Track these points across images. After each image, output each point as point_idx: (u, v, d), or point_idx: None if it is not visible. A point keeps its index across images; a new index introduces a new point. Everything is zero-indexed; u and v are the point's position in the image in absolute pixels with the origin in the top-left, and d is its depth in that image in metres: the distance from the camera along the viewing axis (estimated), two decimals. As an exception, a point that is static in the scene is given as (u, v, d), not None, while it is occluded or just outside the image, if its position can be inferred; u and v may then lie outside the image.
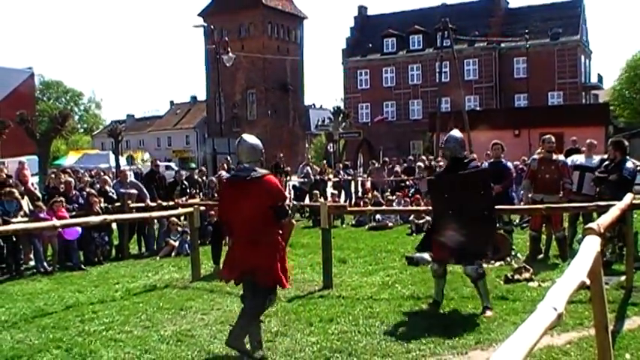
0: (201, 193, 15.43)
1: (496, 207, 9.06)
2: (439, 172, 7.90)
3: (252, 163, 5.91)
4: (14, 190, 11.66)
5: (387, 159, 24.23)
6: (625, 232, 8.08)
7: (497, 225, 10.87)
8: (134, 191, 13.33)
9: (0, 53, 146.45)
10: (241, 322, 5.59)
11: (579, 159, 10.92)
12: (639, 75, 55.75)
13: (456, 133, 7.71)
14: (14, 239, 11.00)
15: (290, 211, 6.17)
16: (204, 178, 16.77)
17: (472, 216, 6.90)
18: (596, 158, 10.63)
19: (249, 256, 5.65)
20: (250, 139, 6.11)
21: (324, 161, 31.94)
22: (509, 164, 11.68)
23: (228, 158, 20.50)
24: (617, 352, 5.12)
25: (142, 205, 12.91)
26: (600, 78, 63.73)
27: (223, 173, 16.78)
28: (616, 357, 4.88)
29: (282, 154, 22.17)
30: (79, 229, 10.82)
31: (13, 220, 10.71)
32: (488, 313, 6.74)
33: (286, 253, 6.00)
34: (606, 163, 9.68)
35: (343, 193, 21.80)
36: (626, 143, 9.85)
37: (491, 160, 11.30)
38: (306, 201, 18.88)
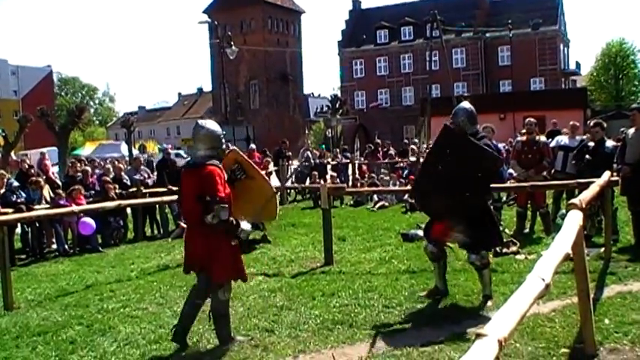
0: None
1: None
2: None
3: (206, 150, 5.20)
4: (40, 179, 11.66)
5: (379, 141, 24.03)
6: (604, 207, 8.07)
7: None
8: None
9: (21, 53, 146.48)
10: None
11: (563, 140, 10.89)
12: (613, 62, 55.71)
13: (465, 104, 6.54)
14: (37, 225, 11.02)
15: (223, 218, 4.92)
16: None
17: (465, 201, 5.98)
18: (578, 139, 10.65)
19: (189, 246, 5.29)
20: (207, 124, 5.35)
21: (323, 146, 31.87)
22: (500, 145, 11.61)
23: (229, 145, 20.45)
24: (598, 318, 5.13)
25: (155, 190, 12.87)
26: (578, 65, 63.78)
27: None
28: (596, 322, 4.89)
29: (286, 140, 22.04)
30: (93, 225, 10.75)
31: (36, 207, 10.72)
32: (489, 303, 6.03)
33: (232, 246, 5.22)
34: (590, 143, 9.65)
35: (343, 175, 21.75)
36: (605, 124, 9.88)
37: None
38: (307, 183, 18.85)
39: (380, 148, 22.31)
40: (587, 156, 9.34)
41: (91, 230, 10.87)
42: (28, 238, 11.06)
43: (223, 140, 5.36)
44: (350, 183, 19.39)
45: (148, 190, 12.80)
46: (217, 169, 5.08)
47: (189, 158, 6.74)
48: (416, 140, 23.83)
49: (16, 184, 11.25)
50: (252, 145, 19.97)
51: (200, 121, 5.41)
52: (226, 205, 4.92)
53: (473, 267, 6.32)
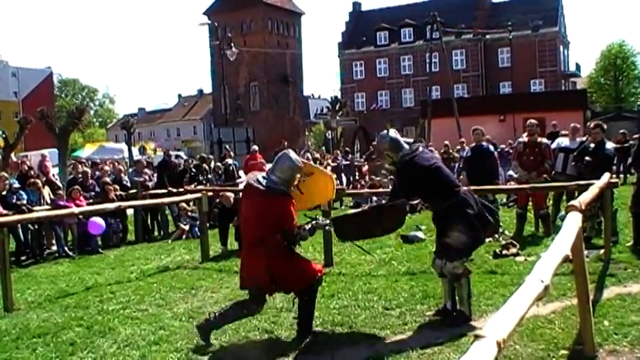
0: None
1: (485, 187, 9.05)
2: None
3: (283, 180, 5.30)
4: (38, 181, 11.68)
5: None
6: (604, 209, 8.07)
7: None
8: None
9: (22, 55, 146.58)
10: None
11: (564, 142, 10.89)
12: (613, 64, 55.75)
13: (386, 133, 5.99)
14: (37, 226, 11.02)
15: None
16: (211, 165, 16.69)
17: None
18: (579, 140, 10.65)
19: (246, 265, 5.47)
20: (293, 156, 5.42)
21: (323, 147, 31.86)
22: (491, 147, 11.61)
23: (227, 147, 20.60)
24: (597, 320, 5.13)
25: (155, 192, 12.88)
26: (578, 66, 63.77)
27: (229, 161, 16.81)
28: (596, 324, 4.89)
29: (285, 142, 22.05)
30: (103, 224, 10.75)
31: (36, 208, 10.73)
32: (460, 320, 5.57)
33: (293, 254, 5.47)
34: (590, 145, 9.66)
35: (344, 177, 21.75)
36: (605, 126, 9.90)
37: (473, 145, 11.19)
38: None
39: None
40: (587, 157, 9.34)
41: (100, 230, 10.89)
42: (28, 239, 11.05)
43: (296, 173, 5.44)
44: (350, 184, 19.39)
45: (148, 192, 12.80)
46: (291, 200, 5.29)
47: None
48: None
49: (16, 185, 11.26)
50: (255, 147, 19.96)
51: (290, 154, 5.46)
52: (305, 233, 5.33)
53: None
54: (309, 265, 5.60)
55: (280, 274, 5.23)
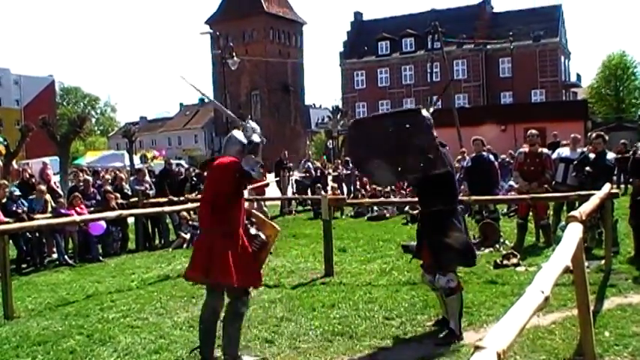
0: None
1: (486, 197, 9.05)
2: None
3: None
4: (43, 187, 11.71)
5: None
6: (604, 220, 8.07)
7: (484, 214, 10.89)
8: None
9: (24, 63, 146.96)
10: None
11: (565, 152, 10.91)
12: (614, 74, 55.85)
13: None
14: (37, 234, 11.03)
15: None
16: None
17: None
18: (579, 151, 10.68)
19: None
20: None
21: (324, 157, 31.88)
22: (491, 156, 11.62)
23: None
24: (598, 330, 5.13)
25: (156, 200, 12.89)
26: (579, 77, 64.03)
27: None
28: (597, 334, 4.89)
29: (286, 151, 22.07)
30: (104, 224, 10.76)
31: (38, 216, 10.74)
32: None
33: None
34: (589, 155, 9.68)
35: (344, 186, 21.75)
36: (607, 137, 9.94)
37: (473, 155, 11.19)
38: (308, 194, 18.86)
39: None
40: (587, 168, 9.36)
41: (101, 230, 10.88)
42: (28, 247, 11.05)
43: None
44: (351, 194, 19.40)
45: (149, 201, 12.81)
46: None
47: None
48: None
49: (17, 192, 11.27)
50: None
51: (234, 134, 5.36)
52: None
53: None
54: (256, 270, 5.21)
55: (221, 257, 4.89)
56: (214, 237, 4.96)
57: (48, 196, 11.72)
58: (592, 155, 9.60)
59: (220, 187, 5.02)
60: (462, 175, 11.69)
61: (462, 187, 11.21)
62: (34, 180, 12.97)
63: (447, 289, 5.44)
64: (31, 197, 11.43)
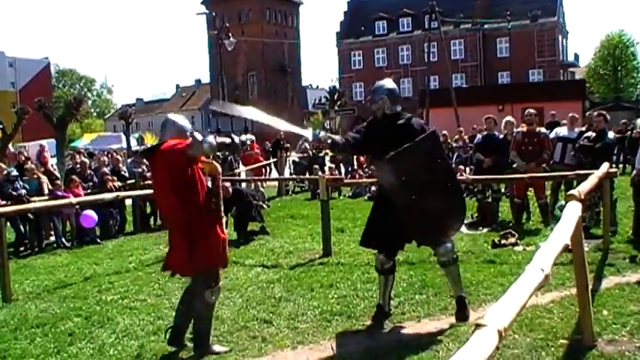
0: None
1: (486, 177, 8.98)
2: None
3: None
4: (33, 166, 11.66)
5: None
6: (603, 199, 8.07)
7: (487, 193, 10.85)
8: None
9: (19, 45, 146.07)
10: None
11: (562, 131, 10.88)
12: (612, 54, 55.67)
13: (386, 82, 5.73)
14: (33, 217, 10.98)
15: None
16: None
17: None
18: (577, 130, 10.66)
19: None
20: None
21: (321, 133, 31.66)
22: (502, 136, 11.56)
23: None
24: (596, 309, 5.13)
25: (151, 182, 12.84)
26: (577, 56, 63.82)
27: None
28: (595, 313, 4.89)
29: (282, 133, 21.98)
30: (95, 217, 10.71)
31: (34, 199, 10.70)
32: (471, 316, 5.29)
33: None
34: (588, 134, 9.64)
35: (342, 167, 21.71)
36: (609, 116, 9.88)
37: (485, 133, 11.10)
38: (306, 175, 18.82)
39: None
40: (596, 145, 9.20)
41: (93, 223, 10.85)
42: (26, 230, 11.02)
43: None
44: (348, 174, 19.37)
45: (146, 182, 12.76)
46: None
47: None
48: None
49: (15, 173, 11.21)
50: (252, 137, 19.81)
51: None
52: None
53: (440, 265, 5.60)
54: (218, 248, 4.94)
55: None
56: (173, 227, 4.94)
57: (44, 178, 11.67)
58: (590, 134, 9.57)
59: (176, 173, 4.71)
60: (460, 154, 11.60)
61: (460, 167, 11.14)
62: (30, 163, 12.90)
63: (453, 255, 5.43)
64: (24, 178, 11.36)
